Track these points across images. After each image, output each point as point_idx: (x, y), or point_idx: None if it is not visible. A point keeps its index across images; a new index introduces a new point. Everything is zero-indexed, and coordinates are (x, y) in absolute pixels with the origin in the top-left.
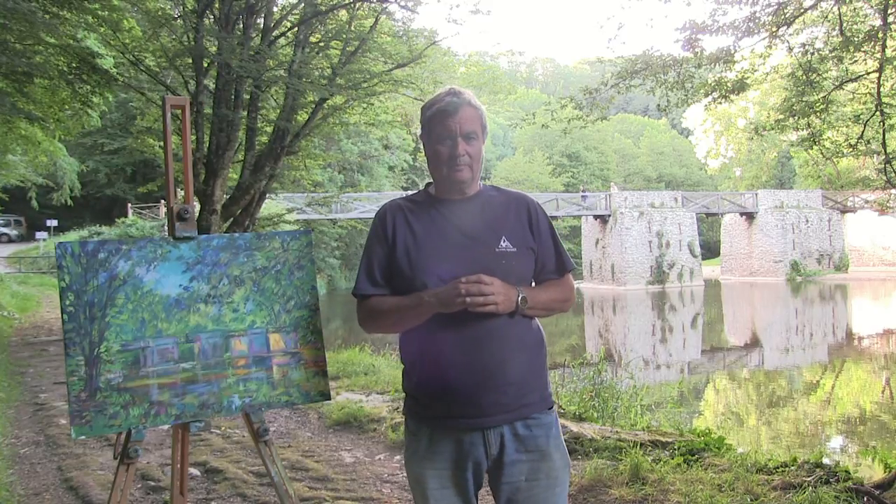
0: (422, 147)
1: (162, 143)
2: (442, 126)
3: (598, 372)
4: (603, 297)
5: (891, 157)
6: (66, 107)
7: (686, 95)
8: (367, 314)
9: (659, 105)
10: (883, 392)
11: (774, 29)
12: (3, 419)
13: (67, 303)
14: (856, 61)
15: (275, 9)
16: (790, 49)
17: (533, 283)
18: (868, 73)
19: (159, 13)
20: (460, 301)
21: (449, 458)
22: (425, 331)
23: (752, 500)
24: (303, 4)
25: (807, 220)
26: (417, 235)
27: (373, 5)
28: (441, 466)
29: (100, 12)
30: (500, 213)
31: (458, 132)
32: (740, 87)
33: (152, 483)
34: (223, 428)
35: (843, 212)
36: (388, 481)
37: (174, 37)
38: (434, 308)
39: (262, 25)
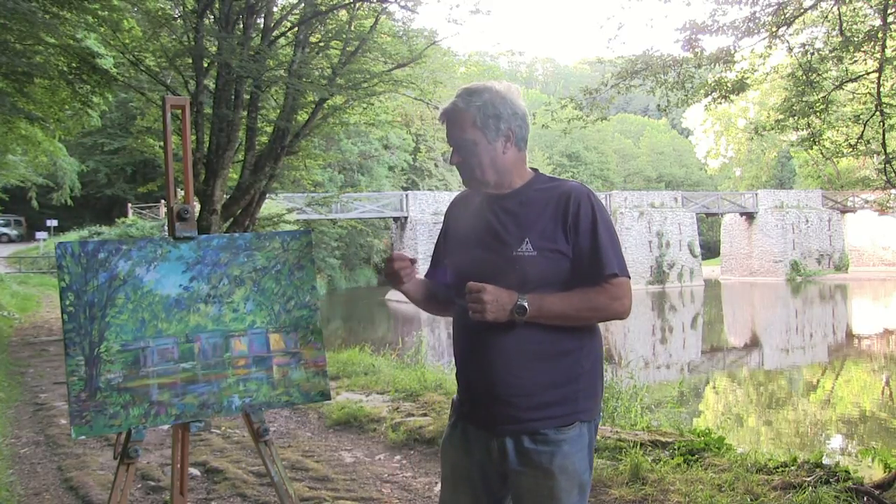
0: (421, 147)
1: (162, 143)
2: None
3: None
4: None
5: (891, 157)
6: (66, 107)
7: (686, 95)
8: None
9: (659, 105)
10: (883, 392)
11: (774, 29)
12: (3, 419)
13: (67, 303)
14: (856, 61)
15: (275, 9)
16: (790, 49)
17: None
18: (868, 73)
19: (159, 13)
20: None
21: (463, 451)
22: (454, 332)
23: (752, 500)
24: (303, 4)
25: (807, 220)
26: (460, 228)
27: (373, 5)
28: (456, 459)
29: (100, 12)
30: (535, 211)
31: (451, 142)
32: (740, 87)
33: (152, 483)
34: (223, 428)
35: (843, 212)
36: (388, 481)
37: (174, 37)
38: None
39: (262, 25)
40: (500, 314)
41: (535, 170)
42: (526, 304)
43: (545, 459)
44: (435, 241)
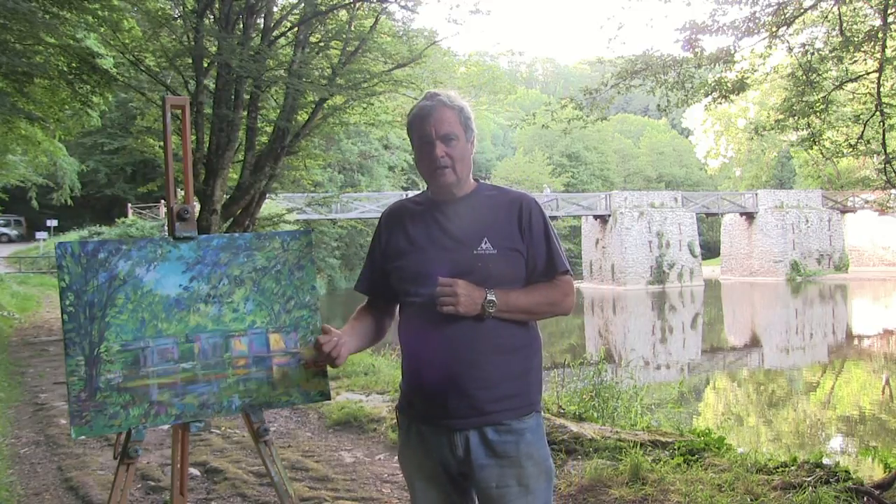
0: None
1: (162, 143)
2: (419, 131)
3: (598, 372)
4: (603, 297)
5: (891, 157)
6: (66, 107)
7: (686, 95)
8: None
9: (659, 105)
10: (883, 392)
11: (774, 29)
12: (3, 419)
13: (67, 303)
14: (856, 61)
15: (275, 9)
16: (790, 49)
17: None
18: (868, 73)
19: (159, 13)
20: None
21: (423, 453)
22: (409, 332)
23: (752, 500)
24: (303, 4)
25: (807, 220)
26: (410, 236)
27: (373, 5)
28: (418, 460)
29: (100, 12)
30: (488, 214)
31: (434, 136)
32: (740, 87)
33: (152, 483)
34: (223, 428)
35: (843, 212)
36: (388, 481)
37: (174, 37)
38: None
39: (262, 25)
40: (472, 308)
41: (476, 179)
42: (495, 299)
43: (511, 449)
44: None
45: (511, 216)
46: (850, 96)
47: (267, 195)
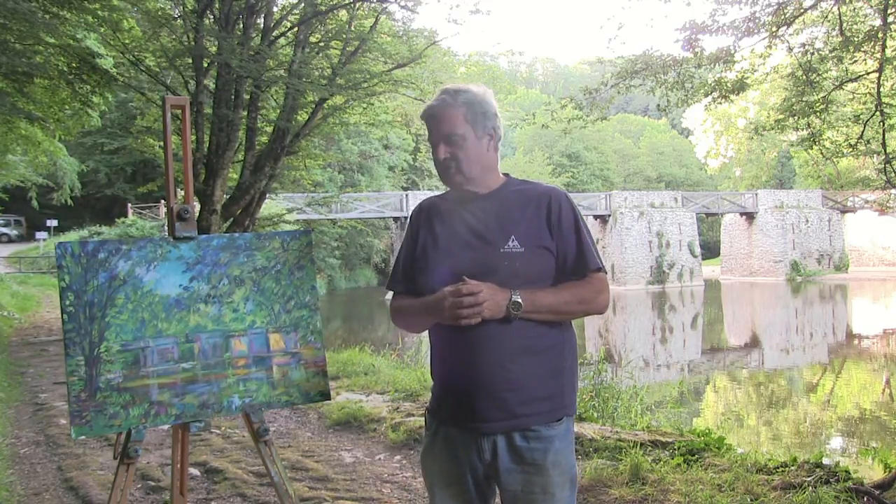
0: (422, 147)
1: (162, 143)
2: (428, 132)
3: (598, 372)
4: None
5: (891, 157)
6: (66, 107)
7: (686, 95)
8: (392, 311)
9: (659, 105)
10: (883, 392)
11: (774, 29)
12: (3, 419)
13: (67, 303)
14: (856, 61)
15: (275, 9)
16: (790, 49)
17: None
18: (868, 73)
19: (159, 13)
20: (448, 314)
21: (448, 457)
22: (437, 332)
23: (752, 500)
24: (303, 4)
25: (807, 220)
26: (436, 234)
27: (373, 5)
28: (442, 465)
29: (100, 12)
30: (515, 210)
31: (439, 137)
32: (740, 87)
33: (152, 483)
34: (223, 428)
35: (843, 212)
36: (388, 481)
37: (174, 37)
38: (430, 315)
39: (262, 25)
40: (497, 311)
41: (506, 174)
42: (521, 300)
43: (538, 456)
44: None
45: (540, 212)
46: (850, 96)
47: (267, 195)
